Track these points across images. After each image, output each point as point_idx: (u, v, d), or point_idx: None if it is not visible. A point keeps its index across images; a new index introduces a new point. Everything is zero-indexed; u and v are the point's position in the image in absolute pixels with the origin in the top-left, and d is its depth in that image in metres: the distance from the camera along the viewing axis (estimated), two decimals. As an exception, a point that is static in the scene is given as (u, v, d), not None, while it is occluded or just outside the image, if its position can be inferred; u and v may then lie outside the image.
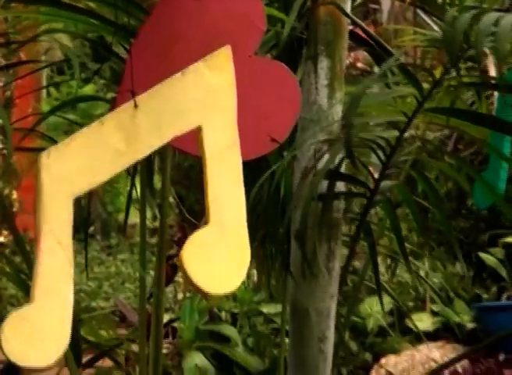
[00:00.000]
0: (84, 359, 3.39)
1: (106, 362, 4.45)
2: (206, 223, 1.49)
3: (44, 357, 1.45)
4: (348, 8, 2.69)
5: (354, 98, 2.52)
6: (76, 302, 5.38)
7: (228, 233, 1.46)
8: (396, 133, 2.59)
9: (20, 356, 1.44)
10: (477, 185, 2.84)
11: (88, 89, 7.91)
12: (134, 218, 5.13)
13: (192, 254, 1.45)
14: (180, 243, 5.50)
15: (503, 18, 2.12)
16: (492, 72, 3.21)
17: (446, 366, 3.34)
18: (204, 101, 1.60)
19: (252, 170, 2.96)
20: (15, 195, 8.43)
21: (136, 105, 1.61)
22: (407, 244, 4.53)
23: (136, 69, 1.79)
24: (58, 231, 1.60)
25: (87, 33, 3.12)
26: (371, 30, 3.10)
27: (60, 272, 1.57)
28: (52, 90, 10.40)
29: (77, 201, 1.68)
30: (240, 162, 1.54)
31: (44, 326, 1.47)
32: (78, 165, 1.64)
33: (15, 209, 8.23)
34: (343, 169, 2.73)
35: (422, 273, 5.77)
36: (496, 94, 2.93)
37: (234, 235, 1.46)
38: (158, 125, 1.61)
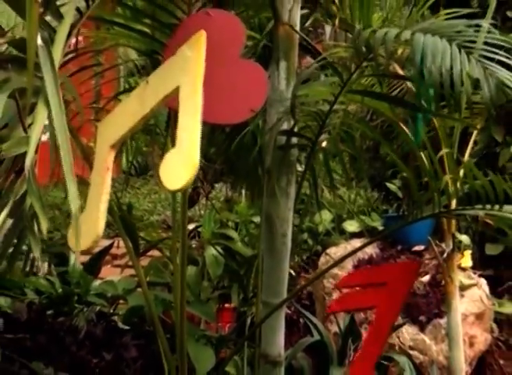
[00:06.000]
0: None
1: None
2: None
3: (84, 244, 1.48)
4: (298, 28, 2.67)
5: (295, 85, 2.55)
6: (139, 217, 5.27)
7: (183, 150, 1.45)
8: (327, 107, 2.60)
9: (72, 245, 1.51)
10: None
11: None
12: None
13: (163, 166, 1.46)
14: (202, 179, 5.51)
15: (389, 32, 2.11)
16: (398, 69, 3.15)
17: (360, 248, 3.29)
18: (181, 68, 1.58)
19: (239, 129, 2.96)
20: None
21: (147, 82, 1.64)
22: (339, 178, 4.56)
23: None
24: (103, 164, 1.61)
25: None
26: (318, 46, 3.06)
27: (97, 189, 1.58)
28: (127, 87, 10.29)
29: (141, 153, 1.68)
30: (200, 106, 1.49)
31: (86, 225, 1.50)
32: (113, 125, 1.69)
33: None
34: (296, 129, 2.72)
35: (352, 196, 5.84)
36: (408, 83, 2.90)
37: (187, 151, 1.44)
38: (156, 89, 1.60)
